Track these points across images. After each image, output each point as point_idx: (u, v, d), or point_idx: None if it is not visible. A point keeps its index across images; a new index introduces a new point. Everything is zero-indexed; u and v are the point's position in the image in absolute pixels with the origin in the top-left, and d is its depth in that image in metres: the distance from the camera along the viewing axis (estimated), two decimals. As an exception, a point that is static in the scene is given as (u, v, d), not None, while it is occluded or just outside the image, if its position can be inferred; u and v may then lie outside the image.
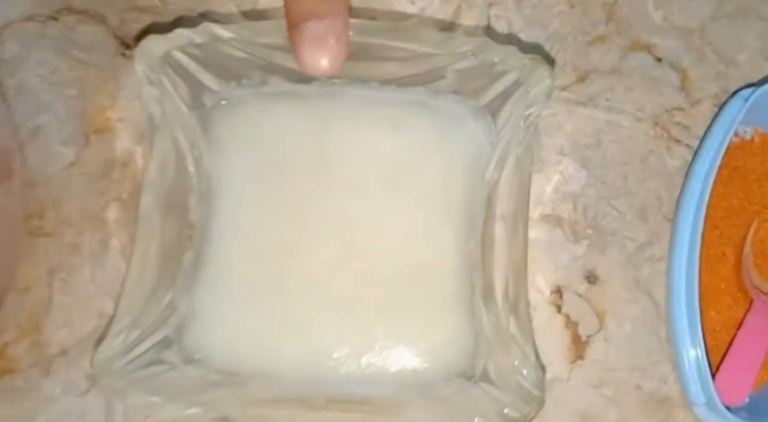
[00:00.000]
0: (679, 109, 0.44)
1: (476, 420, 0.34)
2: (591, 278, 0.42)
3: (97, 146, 0.42)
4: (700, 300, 0.39)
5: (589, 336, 0.42)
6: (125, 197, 0.41)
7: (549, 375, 0.41)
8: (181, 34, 0.34)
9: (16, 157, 0.40)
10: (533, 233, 0.42)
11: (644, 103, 0.43)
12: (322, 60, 0.27)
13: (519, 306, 0.36)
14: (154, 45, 0.34)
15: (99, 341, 0.38)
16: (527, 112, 0.36)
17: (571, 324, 0.42)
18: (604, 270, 0.42)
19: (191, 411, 0.34)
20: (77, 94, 0.42)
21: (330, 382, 0.38)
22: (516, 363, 0.35)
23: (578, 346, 0.42)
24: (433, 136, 0.40)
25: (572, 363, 0.42)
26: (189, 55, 0.35)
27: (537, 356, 0.38)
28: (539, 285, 0.42)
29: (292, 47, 0.28)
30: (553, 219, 0.42)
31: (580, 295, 0.42)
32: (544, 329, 0.42)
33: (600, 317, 0.42)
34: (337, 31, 0.27)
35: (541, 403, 0.35)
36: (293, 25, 0.27)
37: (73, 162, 0.42)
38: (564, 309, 0.42)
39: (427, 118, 0.40)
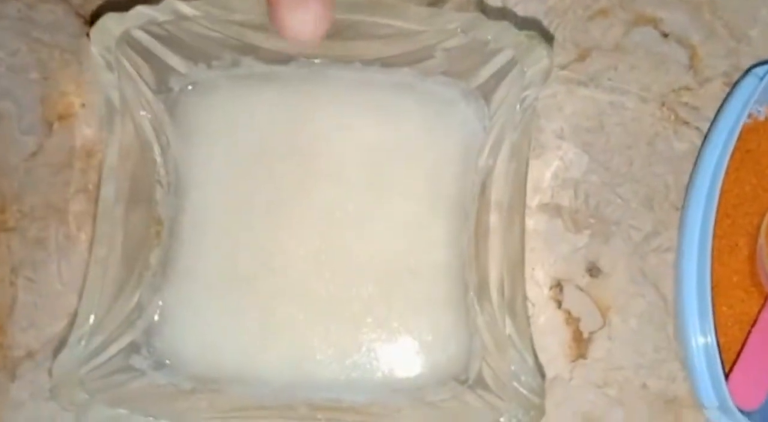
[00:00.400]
0: (688, 88, 0.41)
1: None
2: (593, 271, 0.40)
3: (60, 134, 0.40)
4: (711, 294, 0.37)
5: (591, 333, 0.40)
6: (91, 188, 0.39)
7: (549, 374, 0.39)
8: (141, 11, 0.32)
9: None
10: (531, 223, 0.40)
11: (650, 82, 0.41)
12: (304, 24, 0.25)
13: (516, 304, 0.34)
14: (111, 23, 0.32)
15: (58, 348, 0.36)
16: (523, 94, 0.34)
17: (572, 320, 0.40)
18: (607, 263, 0.40)
19: (161, 423, 0.32)
20: (38, 78, 0.40)
21: (313, 388, 0.36)
22: (513, 367, 0.33)
23: (580, 344, 0.40)
24: (421, 123, 0.38)
25: (574, 361, 0.40)
26: (151, 34, 0.33)
27: (536, 359, 0.36)
28: (538, 280, 0.40)
29: (269, 11, 0.25)
30: (552, 208, 0.40)
31: (581, 289, 0.40)
32: (543, 326, 0.40)
33: (603, 312, 0.40)
34: None
35: (540, 411, 0.33)
36: None
37: (35, 152, 0.39)
38: (565, 305, 0.40)
39: (415, 102, 0.38)
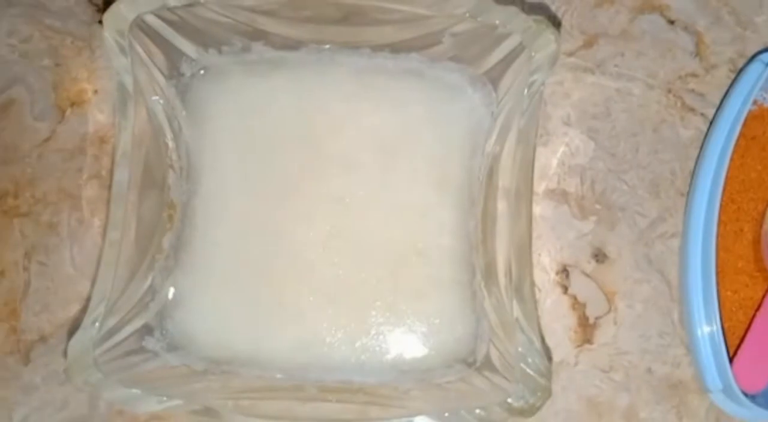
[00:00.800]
0: (694, 75, 0.41)
1: (477, 411, 0.32)
2: (599, 256, 0.40)
3: (72, 120, 0.40)
4: (716, 279, 0.37)
5: (597, 318, 0.40)
6: (103, 174, 0.40)
7: (555, 359, 0.40)
8: None
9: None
10: (538, 209, 0.40)
11: (656, 69, 0.41)
12: None
13: (523, 287, 0.34)
14: (125, 9, 0.32)
15: (72, 331, 0.36)
16: (531, 80, 0.34)
17: (578, 305, 0.40)
18: (613, 248, 0.40)
19: (174, 403, 0.33)
20: (51, 64, 0.40)
21: (323, 369, 0.36)
22: (520, 349, 0.33)
23: (586, 329, 0.40)
24: (429, 109, 0.38)
25: (579, 346, 0.40)
26: (163, 19, 0.33)
27: (543, 342, 0.36)
28: (544, 265, 0.40)
29: None
30: (558, 195, 0.40)
31: (587, 275, 0.40)
32: (549, 311, 0.40)
33: (609, 298, 0.40)
34: None
35: (547, 393, 0.33)
36: None
37: (47, 137, 0.40)
38: (571, 290, 0.40)
39: (423, 88, 0.38)
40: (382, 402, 0.35)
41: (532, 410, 0.33)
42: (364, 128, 0.37)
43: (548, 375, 0.33)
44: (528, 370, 0.33)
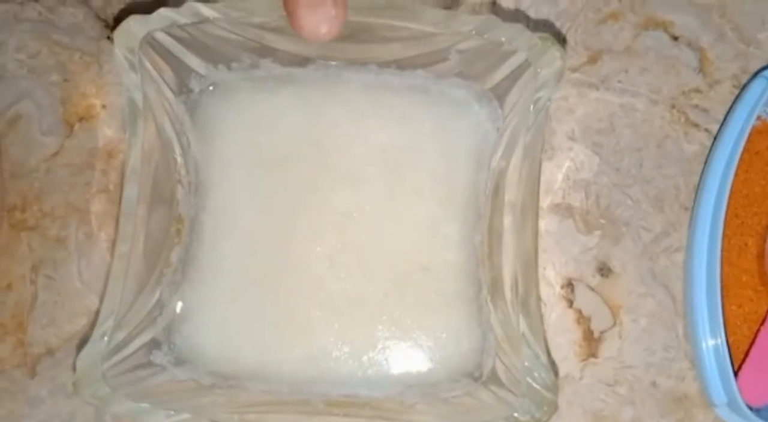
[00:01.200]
0: (697, 91, 0.41)
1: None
2: (604, 271, 0.40)
3: (80, 135, 0.40)
4: (721, 293, 0.37)
5: (602, 332, 0.40)
6: (111, 189, 0.40)
7: (560, 373, 0.40)
8: (163, 14, 0.33)
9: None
10: (542, 224, 0.40)
11: (660, 84, 0.41)
12: (320, 24, 0.26)
13: (529, 302, 0.35)
14: (135, 26, 0.32)
15: (81, 345, 0.36)
16: (537, 96, 0.34)
17: (583, 319, 0.40)
18: (618, 263, 0.40)
19: (181, 417, 0.33)
20: (59, 80, 0.40)
21: (330, 384, 0.36)
22: (526, 363, 0.34)
23: (591, 343, 0.40)
24: (435, 125, 0.38)
25: (584, 360, 0.40)
26: (173, 36, 0.34)
27: (549, 356, 0.37)
28: (549, 279, 0.40)
29: (286, 12, 0.26)
30: (563, 209, 0.41)
31: (592, 289, 0.40)
32: (554, 325, 0.40)
33: (614, 312, 0.40)
34: None
35: (553, 407, 0.33)
36: None
37: (56, 152, 0.40)
38: (576, 304, 0.40)
39: (429, 105, 0.38)
40: (388, 416, 0.35)
41: (538, 424, 0.33)
42: (371, 144, 0.38)
43: (554, 389, 0.34)
44: (534, 384, 0.33)
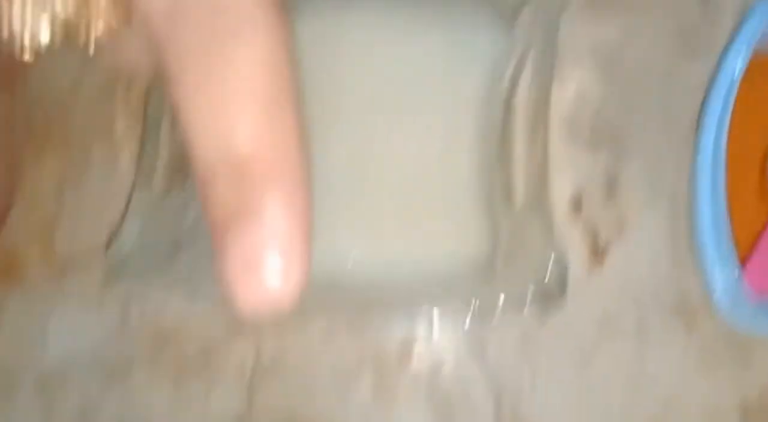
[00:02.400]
0: (703, 17, 0.42)
1: (502, 295, 0.33)
2: (611, 186, 0.41)
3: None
4: (726, 201, 0.38)
5: (608, 246, 0.41)
6: (137, 104, 0.40)
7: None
8: None
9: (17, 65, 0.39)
10: (551, 138, 0.40)
11: (666, 9, 0.42)
12: (257, 290, 0.15)
13: (541, 204, 0.36)
14: None
15: (110, 242, 0.37)
16: (547, 16, 0.36)
17: (589, 233, 0.41)
18: (625, 178, 0.41)
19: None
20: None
21: (345, 288, 0.37)
22: (536, 261, 0.35)
23: (597, 256, 0.41)
24: (447, 41, 0.38)
25: (591, 273, 0.41)
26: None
27: (560, 251, 0.37)
28: (556, 195, 0.41)
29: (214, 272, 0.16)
30: (571, 125, 0.41)
31: (599, 204, 0.41)
32: (561, 238, 0.40)
33: (620, 226, 0.41)
34: (290, 232, 0.15)
35: (562, 299, 0.34)
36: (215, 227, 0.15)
37: (79, 70, 0.41)
38: (582, 219, 0.41)
39: (441, 22, 0.38)
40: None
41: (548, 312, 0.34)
42: (382, 59, 0.38)
43: (564, 283, 0.34)
44: (545, 280, 0.34)
